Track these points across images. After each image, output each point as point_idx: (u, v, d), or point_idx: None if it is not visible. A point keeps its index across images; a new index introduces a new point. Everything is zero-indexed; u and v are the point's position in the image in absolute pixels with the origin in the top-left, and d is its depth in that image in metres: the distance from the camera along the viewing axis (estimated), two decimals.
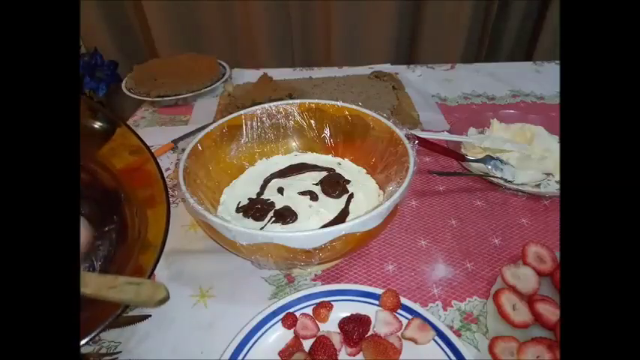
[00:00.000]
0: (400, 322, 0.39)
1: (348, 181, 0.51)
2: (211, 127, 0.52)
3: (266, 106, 0.55)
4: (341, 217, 0.46)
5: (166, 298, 0.32)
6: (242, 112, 0.55)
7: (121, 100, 1.42)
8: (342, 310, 0.40)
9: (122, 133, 0.48)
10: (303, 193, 0.50)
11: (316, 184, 0.51)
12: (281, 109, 0.56)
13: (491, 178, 0.58)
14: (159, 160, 0.67)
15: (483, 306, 0.42)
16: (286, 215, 0.46)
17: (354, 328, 0.38)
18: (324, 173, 0.53)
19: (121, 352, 0.39)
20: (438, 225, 0.53)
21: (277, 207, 0.48)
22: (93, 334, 0.33)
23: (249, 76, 0.93)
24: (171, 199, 0.58)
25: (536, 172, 0.58)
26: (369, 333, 0.39)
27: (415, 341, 0.37)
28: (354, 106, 0.54)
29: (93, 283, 0.33)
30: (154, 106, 0.84)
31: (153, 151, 0.68)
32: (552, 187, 0.58)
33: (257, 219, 0.47)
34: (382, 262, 0.47)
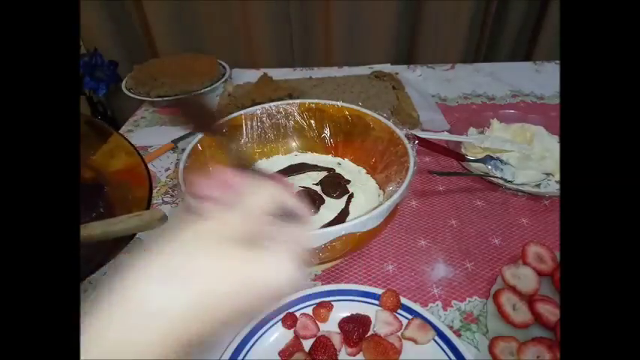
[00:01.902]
0: (400, 322, 0.39)
1: (348, 181, 0.51)
2: None
3: (266, 106, 0.55)
4: (341, 217, 0.46)
5: (165, 216, 0.38)
6: (242, 112, 0.55)
7: (121, 100, 1.42)
8: (342, 310, 0.40)
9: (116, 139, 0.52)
10: None
11: (316, 184, 0.51)
12: (281, 109, 0.56)
13: (491, 178, 0.58)
14: (159, 160, 0.67)
15: (483, 306, 0.42)
16: None
17: (354, 328, 0.38)
18: (324, 173, 0.53)
19: None
20: (438, 225, 0.53)
21: None
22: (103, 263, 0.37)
23: (249, 76, 0.93)
24: (171, 199, 0.59)
25: (536, 172, 0.58)
26: (369, 333, 0.39)
27: (415, 341, 0.37)
28: (354, 106, 0.54)
29: (99, 225, 0.38)
30: (154, 106, 0.84)
31: (153, 151, 0.69)
32: (552, 187, 0.58)
33: None
34: (382, 262, 0.47)
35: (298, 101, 0.56)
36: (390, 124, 0.50)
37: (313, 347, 0.37)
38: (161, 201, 0.58)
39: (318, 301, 0.41)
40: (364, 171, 0.54)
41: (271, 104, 0.56)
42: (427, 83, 0.89)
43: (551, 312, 0.38)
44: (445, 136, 0.65)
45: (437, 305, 0.43)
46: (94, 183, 0.50)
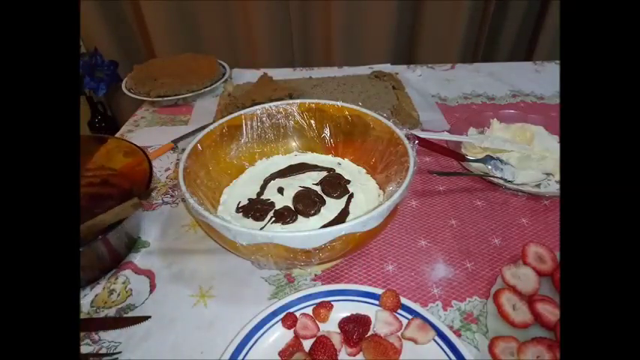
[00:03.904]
0: (400, 322, 0.39)
1: (348, 181, 0.51)
2: (211, 127, 0.52)
3: (266, 106, 0.55)
4: (341, 217, 0.46)
5: (138, 204, 0.43)
6: (242, 112, 0.55)
7: (121, 100, 1.42)
8: (342, 310, 0.40)
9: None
10: None
11: (316, 184, 0.51)
12: (281, 109, 0.56)
13: (491, 178, 0.58)
14: (159, 160, 0.67)
15: (483, 306, 0.42)
16: (286, 215, 0.46)
17: (354, 328, 0.38)
18: (324, 173, 0.53)
19: (121, 352, 0.39)
20: (438, 225, 0.53)
21: (277, 207, 0.48)
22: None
23: (249, 76, 0.93)
24: (171, 199, 0.59)
25: (536, 172, 0.58)
26: (369, 333, 0.39)
27: (415, 341, 0.37)
28: (354, 106, 0.54)
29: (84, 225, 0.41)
30: (154, 106, 0.84)
31: (153, 151, 0.69)
32: (552, 187, 0.58)
33: (257, 219, 0.47)
34: (382, 262, 0.47)
35: (298, 101, 0.56)
36: (390, 124, 0.50)
37: (313, 347, 0.37)
38: (161, 201, 0.58)
39: (318, 301, 0.41)
40: (364, 171, 0.54)
41: (271, 104, 0.56)
42: (427, 83, 0.89)
43: (551, 312, 0.38)
44: (445, 136, 0.65)
45: (437, 305, 0.43)
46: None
